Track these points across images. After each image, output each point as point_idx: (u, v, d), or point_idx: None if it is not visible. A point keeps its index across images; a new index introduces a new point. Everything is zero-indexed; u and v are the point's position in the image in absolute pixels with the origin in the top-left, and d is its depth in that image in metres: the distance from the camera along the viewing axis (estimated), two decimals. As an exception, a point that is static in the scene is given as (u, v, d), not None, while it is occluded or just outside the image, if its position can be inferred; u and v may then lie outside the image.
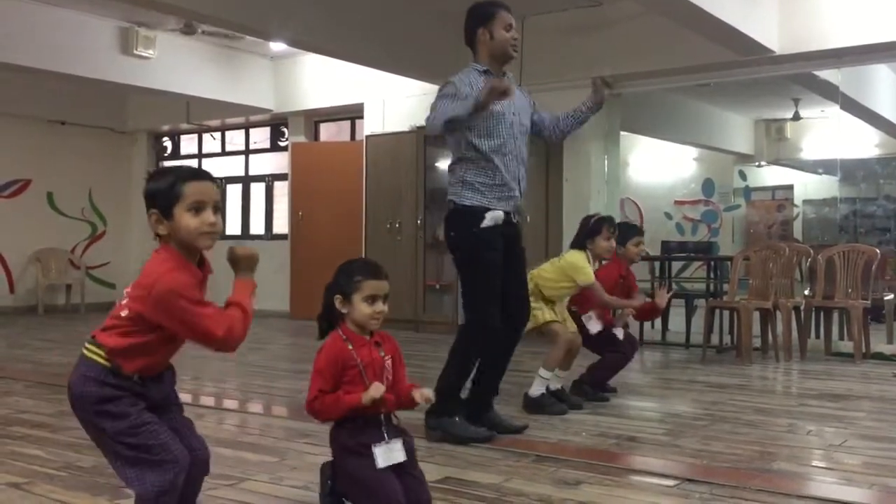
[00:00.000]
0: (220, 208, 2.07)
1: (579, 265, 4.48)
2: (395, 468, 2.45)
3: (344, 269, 2.57)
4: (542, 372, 4.43)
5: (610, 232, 4.58)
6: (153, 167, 11.73)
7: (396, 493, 2.39)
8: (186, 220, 2.00)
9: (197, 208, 2.01)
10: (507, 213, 3.80)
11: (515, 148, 3.86)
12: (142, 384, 2.08)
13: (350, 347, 2.49)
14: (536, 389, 4.42)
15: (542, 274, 4.54)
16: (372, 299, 2.50)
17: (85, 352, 2.09)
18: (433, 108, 3.76)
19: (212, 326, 1.99)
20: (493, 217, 3.75)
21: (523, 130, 3.94)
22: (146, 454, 2.02)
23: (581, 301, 4.74)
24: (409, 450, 2.51)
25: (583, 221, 4.72)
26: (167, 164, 11.84)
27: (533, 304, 4.29)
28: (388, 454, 2.44)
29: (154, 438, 2.04)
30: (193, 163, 12.22)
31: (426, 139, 8.76)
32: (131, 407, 2.04)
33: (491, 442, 3.67)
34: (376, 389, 2.40)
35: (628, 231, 4.96)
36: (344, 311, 2.52)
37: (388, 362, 2.54)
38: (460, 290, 3.91)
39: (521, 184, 3.90)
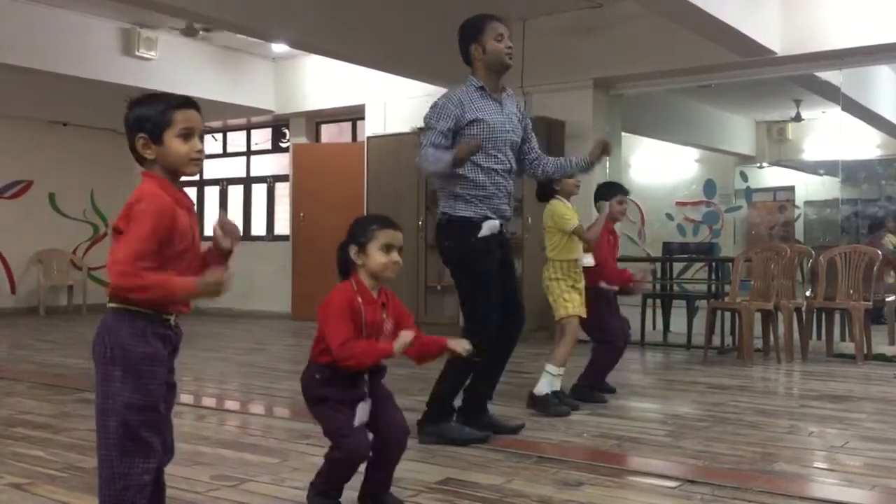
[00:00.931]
0: (203, 136, 2.13)
1: (558, 214, 4.50)
2: (374, 397, 2.58)
3: (359, 221, 2.66)
4: (550, 368, 4.42)
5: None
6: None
7: (366, 446, 2.52)
8: (177, 145, 2.06)
9: (186, 135, 2.07)
10: (500, 224, 3.83)
11: (507, 163, 3.89)
12: (174, 330, 2.08)
13: (360, 300, 2.54)
14: (542, 388, 4.42)
15: (550, 244, 4.52)
16: (388, 248, 2.57)
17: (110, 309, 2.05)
18: (421, 144, 3.80)
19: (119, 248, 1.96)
20: (489, 226, 3.77)
21: (514, 146, 3.97)
22: (130, 442, 2.00)
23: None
24: (381, 388, 2.64)
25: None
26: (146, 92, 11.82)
27: (562, 289, 4.40)
28: (363, 412, 2.56)
29: (148, 431, 2.01)
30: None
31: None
32: (162, 379, 2.03)
33: (489, 442, 3.67)
34: (407, 336, 2.50)
35: (611, 189, 5.02)
36: (359, 262, 2.58)
37: (388, 326, 2.60)
38: (459, 300, 3.89)
39: (511, 199, 3.96)
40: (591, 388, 4.79)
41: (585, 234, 4.53)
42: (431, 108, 3.85)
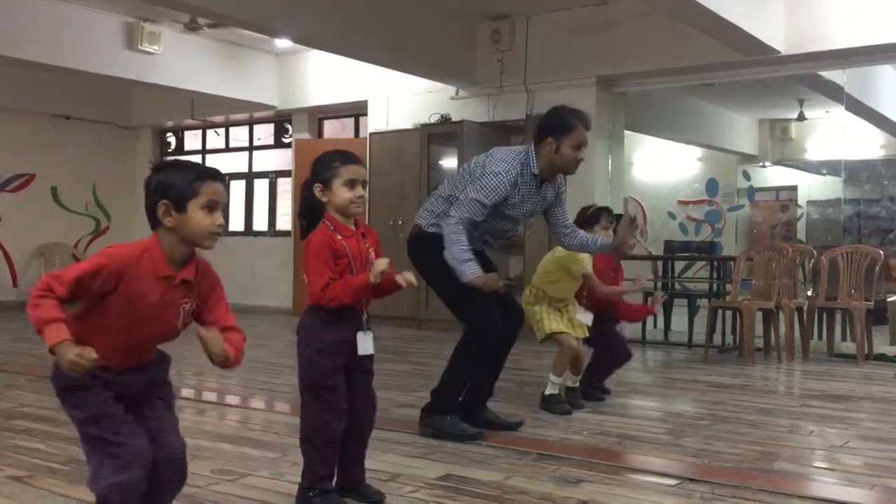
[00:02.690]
0: (226, 210, 2.10)
1: (575, 257, 4.41)
2: (351, 364, 2.66)
3: (320, 159, 2.68)
4: (551, 377, 4.41)
5: (608, 221, 4.54)
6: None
7: (339, 392, 2.63)
8: (199, 217, 2.02)
9: (211, 207, 2.03)
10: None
11: (506, 226, 3.95)
12: (116, 374, 2.04)
13: (339, 237, 2.60)
14: (549, 390, 4.42)
15: (544, 272, 4.47)
16: (351, 183, 2.60)
17: None
18: (461, 205, 3.70)
19: (58, 274, 1.97)
20: None
21: (524, 218, 4.04)
22: (106, 447, 2.01)
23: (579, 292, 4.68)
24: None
25: (580, 211, 4.65)
26: (172, 157, 11.82)
27: (542, 312, 4.33)
28: (364, 342, 2.66)
29: (112, 432, 2.01)
30: (197, 158, 12.25)
31: (430, 137, 8.77)
32: (95, 396, 2.02)
33: (489, 439, 3.67)
34: (382, 263, 2.55)
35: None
36: (324, 199, 2.62)
37: (372, 254, 2.67)
38: (453, 310, 3.88)
39: (493, 243, 4.03)
40: (590, 384, 4.76)
41: (598, 287, 4.44)
42: (491, 174, 3.73)
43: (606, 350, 4.77)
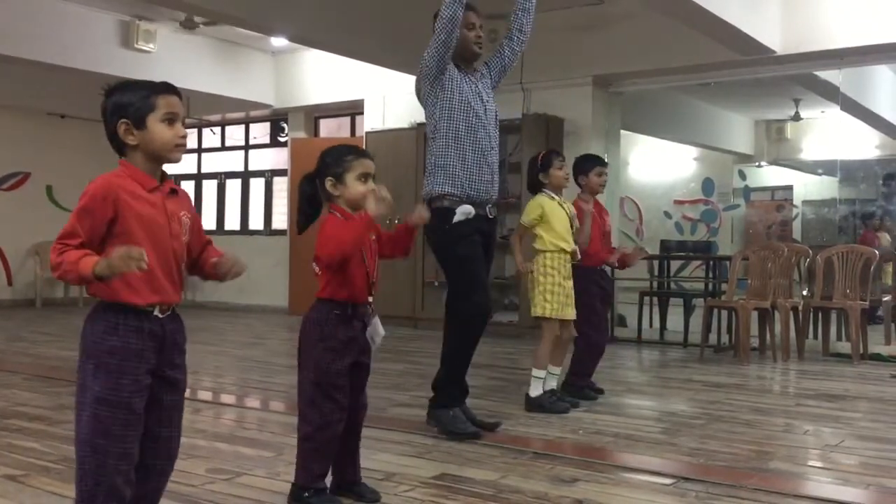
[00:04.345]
0: (185, 121, 2.10)
1: (527, 209, 4.44)
2: (356, 361, 2.67)
3: (331, 152, 2.68)
4: (535, 372, 4.38)
5: (560, 161, 4.46)
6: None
7: (342, 397, 2.63)
8: (161, 130, 2.02)
9: (170, 119, 2.03)
10: (479, 204, 3.85)
11: (486, 137, 3.93)
12: (161, 323, 2.02)
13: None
14: (535, 390, 4.39)
15: (539, 241, 4.40)
16: (365, 177, 2.61)
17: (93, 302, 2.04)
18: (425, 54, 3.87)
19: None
20: (462, 212, 3.81)
21: (492, 117, 4.02)
22: (101, 438, 1.95)
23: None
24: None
25: (530, 162, 4.58)
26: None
27: (546, 287, 4.29)
28: (375, 328, 2.70)
29: (121, 425, 1.96)
30: (193, 157, 12.24)
31: (426, 136, 8.75)
32: (132, 370, 1.96)
33: (482, 439, 3.67)
34: (382, 189, 2.57)
35: (587, 161, 4.88)
36: (336, 193, 2.63)
37: (375, 244, 2.73)
38: (448, 282, 3.93)
39: (494, 171, 3.96)
40: (581, 384, 4.74)
41: (578, 237, 4.43)
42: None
43: (588, 340, 4.72)
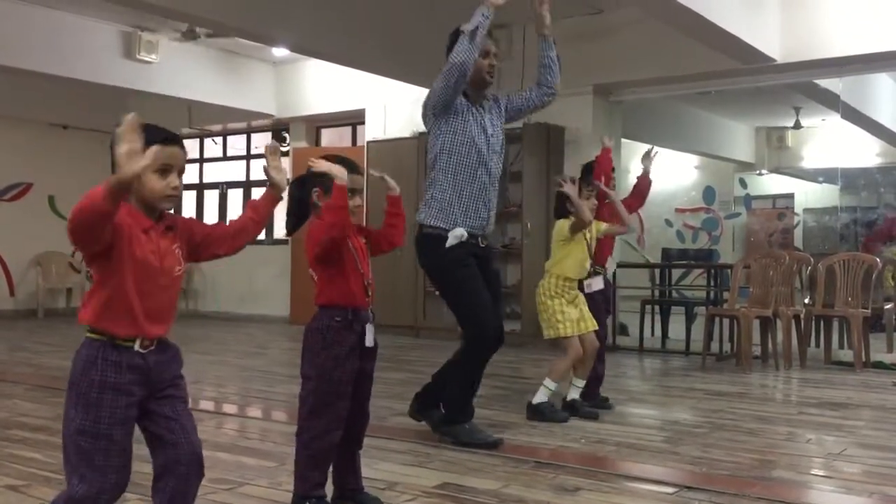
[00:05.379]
0: (183, 172, 2.11)
1: (558, 228, 4.45)
2: (359, 369, 2.68)
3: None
4: (548, 382, 4.39)
5: (588, 191, 4.51)
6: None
7: (342, 406, 2.64)
8: (153, 181, 2.03)
9: (164, 171, 2.05)
10: (472, 235, 3.81)
11: (486, 173, 3.89)
12: (143, 357, 2.03)
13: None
14: (539, 397, 4.39)
15: (555, 256, 4.44)
16: (352, 192, 2.63)
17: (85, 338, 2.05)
18: (433, 88, 3.84)
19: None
20: (454, 235, 3.77)
21: (496, 149, 3.97)
22: (87, 464, 1.99)
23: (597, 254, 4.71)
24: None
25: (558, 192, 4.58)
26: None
27: (559, 308, 4.31)
28: (370, 335, 2.71)
29: (102, 455, 1.99)
30: (195, 167, 12.27)
31: (427, 145, 8.77)
32: (111, 403, 1.99)
33: (502, 446, 3.67)
34: (340, 170, 2.57)
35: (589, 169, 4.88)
36: (321, 203, 2.65)
37: (366, 246, 2.82)
38: (452, 310, 3.91)
39: (491, 208, 3.94)
40: (588, 394, 4.72)
41: (579, 219, 4.34)
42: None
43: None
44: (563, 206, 4.44)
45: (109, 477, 2.00)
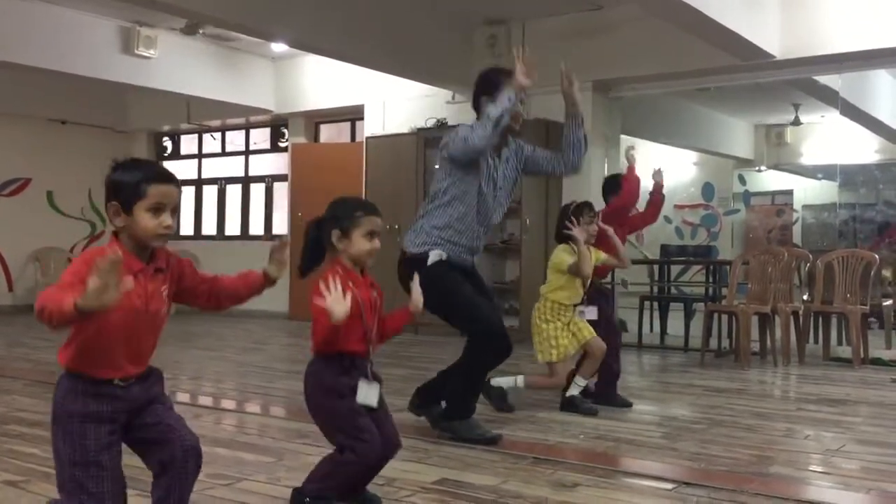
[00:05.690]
0: (177, 210, 2.10)
1: (557, 259, 4.46)
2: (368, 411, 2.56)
3: (341, 204, 2.64)
4: (578, 380, 4.51)
5: (590, 217, 4.49)
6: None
7: (371, 427, 2.52)
8: (145, 219, 2.03)
9: (157, 209, 2.04)
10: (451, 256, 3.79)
11: (486, 219, 3.88)
12: (124, 388, 2.05)
13: (350, 284, 2.54)
14: (571, 391, 4.51)
15: (550, 285, 4.48)
16: (371, 235, 2.58)
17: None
18: (457, 139, 3.73)
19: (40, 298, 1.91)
20: (435, 255, 3.76)
21: (501, 201, 3.96)
22: (80, 495, 1.99)
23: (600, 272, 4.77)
24: (380, 395, 2.63)
25: (561, 211, 4.62)
26: (131, 158, 11.80)
27: (555, 332, 4.38)
28: (368, 392, 2.56)
29: (94, 483, 1.99)
30: (193, 163, 12.25)
31: (426, 141, 8.77)
32: (94, 433, 2.00)
33: (501, 441, 3.67)
34: (339, 310, 2.42)
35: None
36: (340, 246, 2.58)
37: (379, 303, 2.66)
38: (451, 321, 3.91)
39: (481, 245, 3.95)
40: (610, 394, 4.75)
41: (579, 270, 4.38)
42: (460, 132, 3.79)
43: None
44: (563, 228, 4.42)
45: (107, 498, 2.02)
